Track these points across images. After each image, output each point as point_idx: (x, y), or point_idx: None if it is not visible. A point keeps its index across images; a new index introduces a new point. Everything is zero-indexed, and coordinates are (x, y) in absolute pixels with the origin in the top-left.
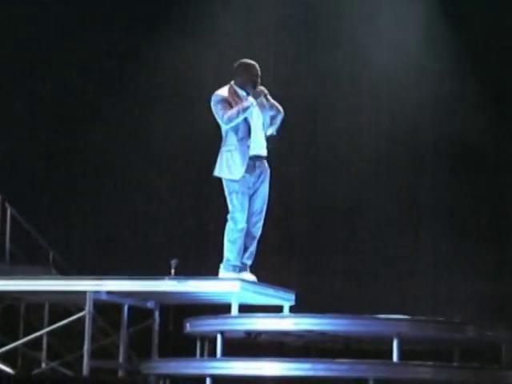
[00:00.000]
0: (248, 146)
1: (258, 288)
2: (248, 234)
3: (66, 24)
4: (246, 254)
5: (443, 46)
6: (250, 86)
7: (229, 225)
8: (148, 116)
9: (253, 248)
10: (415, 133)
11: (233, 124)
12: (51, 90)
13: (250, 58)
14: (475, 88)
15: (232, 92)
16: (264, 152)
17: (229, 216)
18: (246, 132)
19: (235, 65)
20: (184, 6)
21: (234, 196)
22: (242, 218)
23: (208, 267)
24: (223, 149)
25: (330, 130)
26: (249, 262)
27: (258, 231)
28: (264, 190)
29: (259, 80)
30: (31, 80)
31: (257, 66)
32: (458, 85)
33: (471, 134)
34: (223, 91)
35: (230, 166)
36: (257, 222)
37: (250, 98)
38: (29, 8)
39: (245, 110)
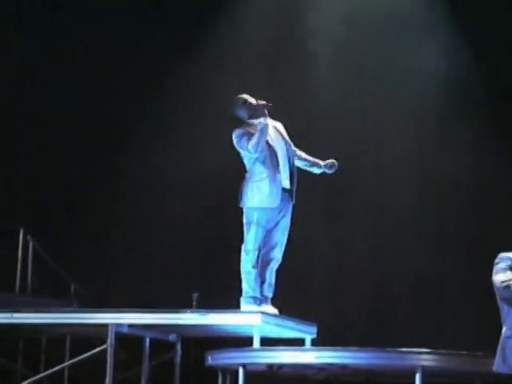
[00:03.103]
0: (279, 172)
1: (280, 321)
2: (267, 267)
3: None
4: (266, 287)
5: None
6: (254, 111)
7: (242, 256)
8: (170, 147)
9: (271, 280)
10: None
11: (259, 150)
12: (75, 121)
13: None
14: None
15: (249, 125)
16: (287, 185)
17: (242, 247)
18: (274, 161)
19: (234, 107)
20: (207, 36)
21: (251, 226)
22: (253, 250)
23: (229, 299)
24: (253, 179)
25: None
26: (270, 295)
27: (276, 264)
28: (285, 223)
29: (254, 100)
30: (55, 112)
31: (244, 94)
32: None
33: None
34: (241, 127)
35: (262, 195)
36: (276, 255)
37: (261, 119)
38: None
39: (261, 130)
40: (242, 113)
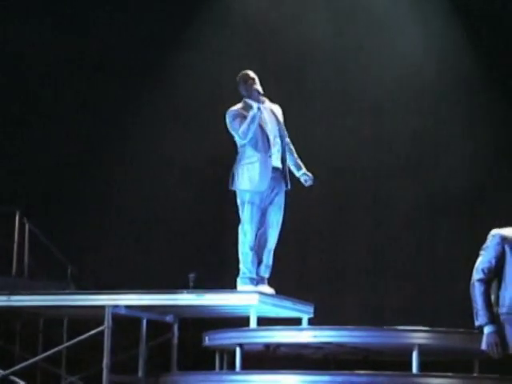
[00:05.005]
0: (270, 157)
1: (277, 301)
2: (264, 247)
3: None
4: (263, 267)
5: None
6: (252, 92)
7: (240, 237)
8: (167, 131)
9: (268, 261)
10: None
11: (249, 136)
12: (70, 103)
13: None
14: None
15: (244, 106)
16: (278, 163)
17: (239, 228)
18: (265, 143)
19: (237, 82)
20: (200, 25)
21: (245, 206)
22: (251, 230)
23: (226, 280)
24: (243, 162)
25: (348, 139)
26: (266, 275)
27: (273, 244)
28: (279, 201)
29: (256, 82)
30: (48, 100)
31: (250, 72)
32: None
33: None
34: (236, 106)
35: (251, 179)
36: (272, 235)
37: (254, 104)
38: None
39: (253, 118)
40: (241, 89)
